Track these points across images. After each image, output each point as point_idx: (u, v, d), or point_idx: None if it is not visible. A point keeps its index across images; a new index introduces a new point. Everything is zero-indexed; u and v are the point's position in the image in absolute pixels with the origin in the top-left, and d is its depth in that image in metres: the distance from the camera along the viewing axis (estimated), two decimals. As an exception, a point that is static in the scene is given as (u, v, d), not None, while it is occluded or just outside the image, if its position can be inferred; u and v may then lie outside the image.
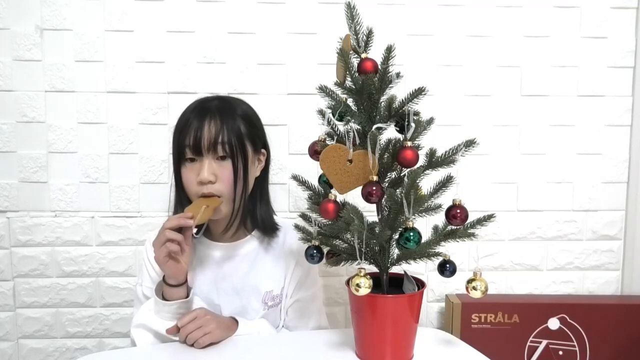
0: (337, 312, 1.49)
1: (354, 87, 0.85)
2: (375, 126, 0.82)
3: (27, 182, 1.40)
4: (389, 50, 0.84)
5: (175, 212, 1.11)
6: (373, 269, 0.90)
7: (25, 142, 1.39)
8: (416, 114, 0.84)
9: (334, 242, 0.92)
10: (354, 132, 0.84)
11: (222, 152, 1.02)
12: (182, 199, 1.08)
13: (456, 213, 0.86)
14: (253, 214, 1.12)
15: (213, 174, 1.02)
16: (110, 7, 1.37)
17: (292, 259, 1.13)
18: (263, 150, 1.13)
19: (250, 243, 1.13)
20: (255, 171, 1.11)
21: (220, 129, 1.02)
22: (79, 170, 1.41)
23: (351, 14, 0.86)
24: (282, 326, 1.15)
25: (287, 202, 1.45)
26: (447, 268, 0.89)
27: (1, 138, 1.38)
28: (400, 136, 0.86)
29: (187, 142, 1.02)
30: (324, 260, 0.93)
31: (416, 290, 0.89)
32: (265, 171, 1.15)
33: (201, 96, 1.12)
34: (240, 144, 1.04)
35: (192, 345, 0.96)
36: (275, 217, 1.17)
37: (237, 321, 1.04)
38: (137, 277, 1.16)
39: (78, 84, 1.38)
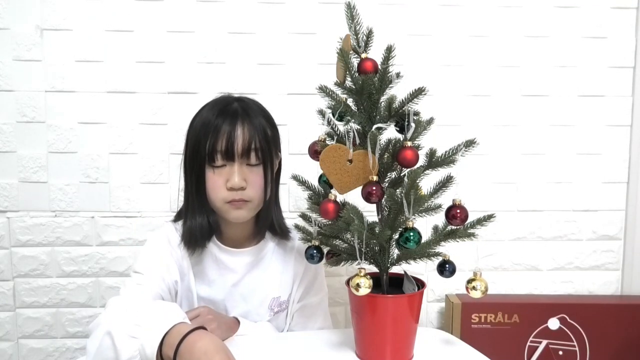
0: (337, 312, 1.49)
1: (354, 87, 0.85)
2: (375, 126, 0.82)
3: (27, 182, 1.40)
4: (389, 50, 0.84)
5: (191, 221, 1.04)
6: (373, 269, 0.90)
7: (25, 142, 1.39)
8: (416, 114, 0.84)
9: (334, 242, 0.92)
10: (354, 132, 0.84)
11: (254, 161, 1.00)
12: (203, 203, 1.03)
13: (456, 213, 0.86)
14: (268, 217, 1.10)
15: (244, 180, 0.99)
16: (110, 7, 1.37)
17: (301, 265, 1.12)
18: (279, 153, 1.12)
19: (264, 249, 1.12)
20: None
21: (252, 135, 0.99)
22: (79, 170, 1.41)
23: (351, 14, 0.86)
24: (287, 330, 1.14)
25: (287, 202, 1.45)
26: (446, 268, 0.89)
27: (1, 138, 1.38)
28: (400, 136, 0.86)
29: (218, 148, 0.98)
30: (324, 260, 0.93)
31: (416, 290, 0.89)
32: (277, 174, 1.13)
33: (217, 96, 1.08)
34: (269, 149, 1.02)
35: None
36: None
37: (239, 321, 1.04)
38: (137, 263, 1.07)
39: (78, 84, 1.38)
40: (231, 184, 0.98)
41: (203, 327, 0.81)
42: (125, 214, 1.43)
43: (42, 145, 1.39)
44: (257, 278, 1.10)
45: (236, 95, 1.09)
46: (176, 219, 1.11)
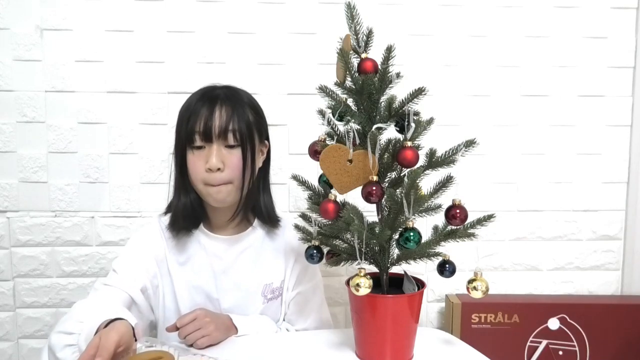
0: (337, 312, 1.49)
1: (354, 87, 0.85)
2: (375, 126, 0.82)
3: (27, 182, 1.40)
4: (389, 50, 0.84)
5: (176, 202, 1.08)
6: (373, 269, 0.90)
7: (26, 142, 1.39)
8: (416, 114, 0.84)
9: (334, 242, 0.92)
10: (354, 132, 0.84)
11: (232, 141, 1.01)
12: (186, 186, 1.06)
13: (455, 213, 0.86)
14: (256, 204, 1.11)
15: (221, 162, 1.01)
16: (110, 7, 1.37)
17: (292, 253, 1.13)
18: (266, 142, 1.13)
19: (252, 236, 1.13)
20: (259, 161, 1.10)
21: (231, 116, 1.01)
22: (79, 170, 1.41)
23: (351, 14, 0.86)
24: (283, 319, 1.14)
25: (287, 202, 1.45)
26: (446, 268, 0.89)
27: (1, 138, 1.38)
28: (400, 136, 0.86)
29: (197, 129, 1.01)
30: (323, 260, 0.93)
31: (416, 290, 0.89)
32: (267, 163, 1.14)
33: (205, 85, 1.10)
34: (249, 132, 1.03)
35: (190, 345, 0.96)
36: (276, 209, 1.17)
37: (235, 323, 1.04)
38: (115, 261, 1.08)
39: (78, 84, 1.38)
40: (209, 164, 1.00)
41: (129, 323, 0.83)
42: (125, 214, 1.42)
43: (42, 145, 1.39)
44: (247, 265, 1.11)
45: (227, 84, 1.11)
46: (166, 211, 1.12)
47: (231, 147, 1.02)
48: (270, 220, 1.12)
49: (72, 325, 0.85)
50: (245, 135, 1.02)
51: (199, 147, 1.02)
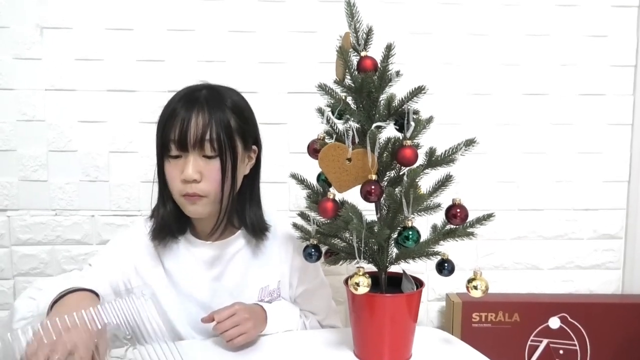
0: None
1: (353, 85, 0.85)
2: (374, 125, 0.82)
3: (27, 180, 1.40)
4: (389, 48, 0.83)
5: (158, 210, 1.03)
6: (372, 268, 0.90)
7: (26, 140, 1.39)
8: (416, 112, 0.84)
9: (333, 240, 0.92)
10: (353, 130, 0.84)
11: (210, 151, 0.94)
12: (164, 196, 1.01)
13: (456, 212, 0.86)
14: (241, 214, 1.05)
15: (198, 172, 0.94)
16: (110, 5, 1.37)
17: (288, 251, 1.09)
18: (254, 147, 1.05)
19: (240, 240, 1.07)
20: (244, 169, 1.03)
21: (208, 123, 0.93)
22: (79, 169, 1.41)
23: (351, 12, 0.86)
24: None
25: (288, 201, 1.44)
26: (445, 267, 0.89)
27: (1, 136, 1.38)
28: (399, 135, 0.86)
29: (171, 137, 0.93)
30: (322, 259, 0.93)
31: (415, 289, 0.89)
32: (255, 169, 1.07)
33: (189, 85, 1.04)
34: (230, 140, 0.95)
35: (227, 342, 0.92)
36: (264, 214, 1.10)
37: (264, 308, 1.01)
38: (93, 257, 1.06)
39: (78, 83, 1.38)
40: (184, 175, 0.93)
41: (94, 292, 0.85)
42: (125, 212, 1.42)
43: (42, 143, 1.39)
44: (239, 271, 1.06)
45: (211, 84, 1.04)
46: (151, 215, 1.07)
47: (209, 157, 0.95)
48: (255, 232, 1.05)
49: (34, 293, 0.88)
50: (224, 145, 0.94)
51: (176, 157, 0.96)
